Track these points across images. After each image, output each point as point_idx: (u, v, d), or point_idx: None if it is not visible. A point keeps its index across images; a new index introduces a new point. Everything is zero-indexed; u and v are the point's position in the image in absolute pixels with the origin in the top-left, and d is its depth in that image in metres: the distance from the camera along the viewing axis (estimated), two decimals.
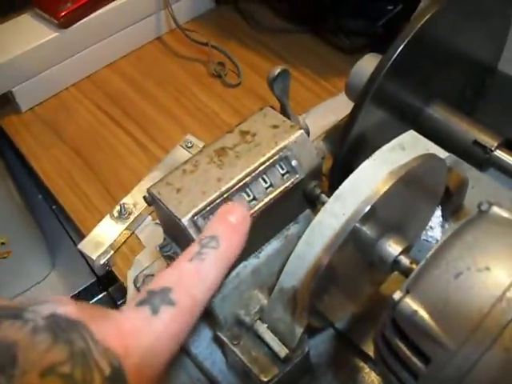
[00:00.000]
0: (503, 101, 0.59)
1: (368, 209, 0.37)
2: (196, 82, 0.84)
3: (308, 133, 0.47)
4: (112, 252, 0.65)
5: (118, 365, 0.26)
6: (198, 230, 0.40)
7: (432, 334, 0.33)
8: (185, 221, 0.40)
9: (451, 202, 0.55)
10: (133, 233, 0.67)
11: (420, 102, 0.50)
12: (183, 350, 0.53)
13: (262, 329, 0.45)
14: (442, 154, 0.45)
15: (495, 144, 0.47)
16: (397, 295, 0.34)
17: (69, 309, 0.27)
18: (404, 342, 0.35)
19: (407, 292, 0.35)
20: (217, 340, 0.51)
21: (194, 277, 0.31)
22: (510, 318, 0.31)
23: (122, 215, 0.67)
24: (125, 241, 0.67)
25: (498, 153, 0.47)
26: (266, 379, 0.45)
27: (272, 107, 0.47)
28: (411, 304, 0.34)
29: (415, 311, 0.34)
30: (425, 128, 0.47)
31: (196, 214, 0.40)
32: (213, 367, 0.51)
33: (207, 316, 0.46)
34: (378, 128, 0.47)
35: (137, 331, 0.28)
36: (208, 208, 0.41)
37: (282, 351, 0.45)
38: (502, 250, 0.35)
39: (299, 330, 0.44)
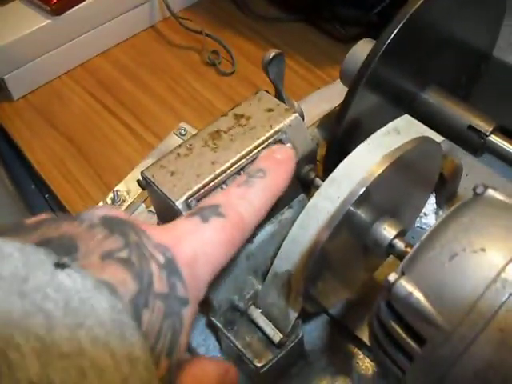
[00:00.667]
0: (498, 87, 0.58)
1: (362, 191, 0.37)
2: (190, 71, 0.84)
3: (303, 117, 0.47)
4: None
5: (171, 256, 0.26)
6: (183, 212, 0.40)
7: (427, 316, 0.33)
8: (179, 204, 0.40)
9: (445, 188, 0.55)
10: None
11: (415, 87, 0.49)
12: None
13: (256, 314, 0.45)
14: (437, 138, 0.45)
15: (490, 129, 0.47)
16: (392, 277, 0.34)
17: (120, 213, 0.28)
18: (399, 324, 0.35)
19: (402, 274, 0.34)
20: (210, 326, 0.51)
21: (242, 199, 0.32)
22: (504, 299, 0.31)
23: (116, 203, 0.67)
24: None
25: (493, 138, 0.47)
26: (259, 364, 0.45)
27: (267, 91, 0.47)
28: (406, 286, 0.34)
29: (410, 293, 0.33)
30: (419, 113, 0.47)
31: (190, 196, 0.40)
32: (207, 354, 0.51)
33: (201, 301, 0.46)
34: (372, 113, 0.47)
35: (188, 233, 0.29)
36: (202, 191, 0.40)
37: (276, 336, 0.44)
38: (498, 232, 0.34)
39: (293, 315, 0.44)
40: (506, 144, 0.46)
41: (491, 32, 0.55)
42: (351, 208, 0.37)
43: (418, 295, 0.33)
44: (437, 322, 0.33)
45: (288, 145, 0.43)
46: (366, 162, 0.39)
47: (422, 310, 0.33)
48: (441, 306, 0.33)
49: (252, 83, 0.80)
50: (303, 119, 0.46)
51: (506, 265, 0.32)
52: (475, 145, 0.48)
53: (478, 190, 0.39)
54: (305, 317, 0.49)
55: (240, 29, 0.88)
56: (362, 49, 0.49)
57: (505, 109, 0.54)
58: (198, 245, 0.28)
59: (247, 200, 0.32)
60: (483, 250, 0.33)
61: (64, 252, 0.23)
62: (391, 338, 0.36)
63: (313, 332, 0.52)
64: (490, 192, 0.39)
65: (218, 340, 0.50)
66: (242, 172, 0.42)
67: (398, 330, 0.35)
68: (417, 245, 0.36)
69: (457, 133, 0.48)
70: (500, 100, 0.57)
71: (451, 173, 0.54)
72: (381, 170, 0.37)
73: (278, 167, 0.36)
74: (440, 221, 0.37)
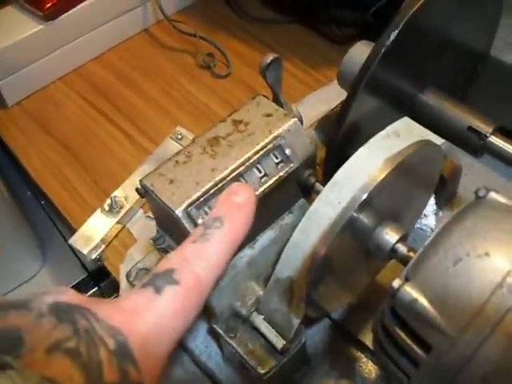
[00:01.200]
0: (496, 88, 0.58)
1: (365, 197, 0.37)
2: (185, 74, 0.83)
3: (301, 121, 0.46)
4: (103, 246, 0.65)
5: (123, 340, 0.26)
6: (192, 221, 0.39)
7: (432, 322, 0.33)
8: (178, 212, 0.39)
9: (445, 189, 0.55)
10: (124, 226, 0.66)
11: (414, 89, 0.49)
12: (178, 344, 0.53)
13: (259, 320, 0.45)
14: (437, 140, 0.44)
15: (490, 130, 0.47)
16: (396, 283, 0.34)
17: (70, 297, 0.27)
18: (404, 330, 0.35)
19: (406, 280, 0.34)
20: (212, 333, 0.50)
21: (197, 256, 0.32)
22: (510, 304, 0.31)
23: (113, 209, 0.66)
24: (116, 235, 0.66)
25: (493, 139, 0.47)
26: (263, 371, 0.45)
27: (265, 96, 0.47)
28: (411, 292, 0.33)
29: (415, 299, 0.33)
30: (419, 115, 0.47)
31: (190, 204, 0.40)
32: (209, 360, 0.51)
33: (203, 308, 0.46)
34: (371, 116, 0.47)
35: (140, 309, 0.28)
36: (202, 199, 0.40)
37: (279, 342, 0.44)
38: (502, 236, 0.34)
39: (296, 321, 0.44)
40: (506, 145, 0.46)
41: (488, 32, 0.55)
42: (353, 214, 0.37)
43: (422, 301, 0.33)
44: (442, 328, 0.32)
45: (248, 184, 0.42)
46: (367, 166, 0.38)
47: (427, 316, 0.33)
48: (446, 311, 0.33)
49: (247, 86, 0.79)
50: (302, 123, 0.46)
51: (505, 268, 0.32)
52: (475, 146, 0.47)
53: (480, 193, 0.38)
54: (307, 322, 0.49)
55: (234, 31, 0.88)
56: (360, 51, 0.49)
57: (503, 109, 0.54)
58: (152, 320, 0.28)
59: (204, 257, 0.32)
60: (487, 254, 0.33)
61: (8, 348, 0.23)
62: (396, 344, 0.36)
63: (315, 336, 0.52)
64: (492, 195, 0.38)
65: (220, 347, 0.50)
66: (241, 179, 0.42)
67: (403, 336, 0.35)
68: (420, 250, 0.35)
69: (457, 134, 0.48)
70: (498, 100, 0.57)
71: (451, 173, 0.54)
72: (383, 176, 0.37)
73: (236, 212, 0.34)
74: (443, 225, 0.36)
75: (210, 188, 0.41)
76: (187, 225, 0.39)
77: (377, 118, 0.47)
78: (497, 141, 0.47)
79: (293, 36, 0.86)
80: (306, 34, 0.86)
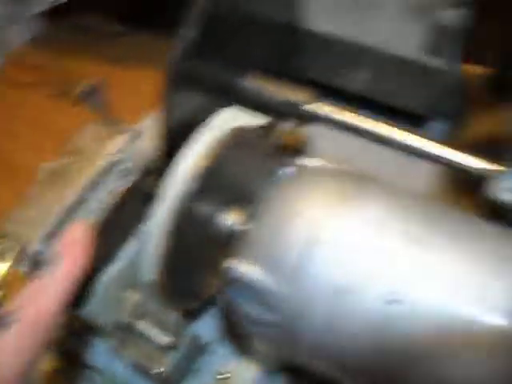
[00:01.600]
0: (312, 57, 0.61)
1: (189, 189, 0.40)
2: (49, 106, 0.83)
3: (139, 134, 0.48)
4: (1, 292, 0.65)
5: None
6: (42, 254, 0.42)
7: (266, 287, 0.36)
8: (30, 249, 0.42)
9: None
10: (18, 268, 0.67)
11: (232, 75, 0.51)
12: (85, 366, 0.55)
13: (142, 325, 0.48)
14: (263, 120, 0.48)
15: (307, 99, 0.49)
16: (228, 263, 0.37)
17: None
18: (247, 303, 0.38)
19: (237, 256, 0.38)
20: (109, 348, 0.52)
21: (39, 292, 0.36)
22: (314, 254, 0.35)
23: (3, 254, 0.67)
24: (12, 278, 0.67)
25: (312, 106, 0.49)
26: (160, 370, 0.48)
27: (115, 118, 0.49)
28: (241, 266, 0.37)
29: (246, 272, 0.37)
30: (243, 99, 0.49)
31: (40, 240, 0.42)
32: (116, 374, 0.53)
33: (94, 327, 0.49)
34: (198, 109, 0.48)
35: None
36: (52, 232, 0.43)
37: (164, 340, 0.47)
38: (315, 194, 0.38)
39: (173, 316, 0.47)
40: (323, 109, 0.49)
41: (297, 4, 0.58)
42: (184, 206, 0.40)
43: (254, 272, 0.36)
44: (277, 291, 0.36)
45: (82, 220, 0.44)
46: (188, 161, 0.42)
47: (260, 284, 0.36)
48: (276, 274, 0.36)
49: (111, 105, 0.81)
50: (140, 136, 0.48)
51: (315, 223, 0.36)
52: (299, 116, 0.50)
53: (298, 162, 0.43)
54: (194, 314, 0.52)
55: (87, 54, 0.88)
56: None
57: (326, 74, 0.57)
58: None
59: (45, 292, 0.36)
60: (301, 212, 0.37)
61: None
62: (247, 319, 0.39)
63: (207, 325, 0.54)
64: (310, 161, 0.43)
65: (121, 359, 0.52)
66: (85, 204, 0.44)
67: (247, 309, 0.38)
68: (249, 226, 0.39)
69: (281, 110, 0.50)
70: (321, 68, 0.61)
71: (298, 145, 0.57)
72: (203, 166, 0.41)
73: (73, 248, 0.39)
74: (266, 198, 0.40)
75: (58, 220, 0.43)
76: (39, 258, 0.42)
77: (204, 110, 0.48)
78: (315, 107, 0.49)
79: (144, 45, 0.87)
80: (155, 39, 0.87)
